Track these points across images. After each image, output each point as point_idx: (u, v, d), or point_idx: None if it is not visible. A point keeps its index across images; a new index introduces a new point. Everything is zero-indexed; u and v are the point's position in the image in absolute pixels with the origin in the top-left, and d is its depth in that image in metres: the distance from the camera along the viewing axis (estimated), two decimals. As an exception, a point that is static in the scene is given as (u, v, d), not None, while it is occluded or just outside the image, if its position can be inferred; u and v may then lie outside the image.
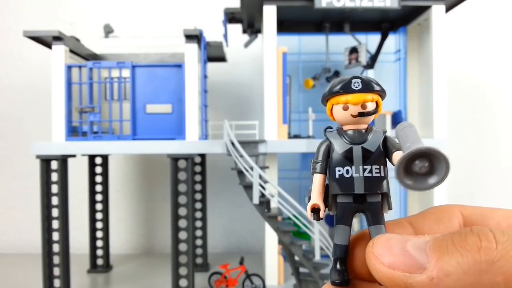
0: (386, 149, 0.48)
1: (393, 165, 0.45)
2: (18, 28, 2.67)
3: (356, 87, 0.47)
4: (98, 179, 2.89)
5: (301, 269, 2.24)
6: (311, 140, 2.45)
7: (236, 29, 2.97)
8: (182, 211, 2.25)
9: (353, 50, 2.76)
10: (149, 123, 2.37)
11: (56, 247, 2.25)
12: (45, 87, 3.19)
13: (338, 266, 0.47)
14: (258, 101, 3.24)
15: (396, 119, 2.69)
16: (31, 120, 3.36)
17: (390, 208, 0.48)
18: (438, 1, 2.36)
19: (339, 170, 0.48)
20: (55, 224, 2.26)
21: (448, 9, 2.46)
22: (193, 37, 2.29)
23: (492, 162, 3.38)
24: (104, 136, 2.33)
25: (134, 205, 3.42)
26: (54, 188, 2.26)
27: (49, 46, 2.33)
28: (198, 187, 2.97)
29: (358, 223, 2.86)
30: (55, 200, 2.26)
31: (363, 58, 2.70)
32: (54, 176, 2.26)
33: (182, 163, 2.25)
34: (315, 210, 0.49)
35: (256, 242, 3.33)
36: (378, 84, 0.48)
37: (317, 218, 0.49)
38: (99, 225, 2.89)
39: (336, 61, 2.97)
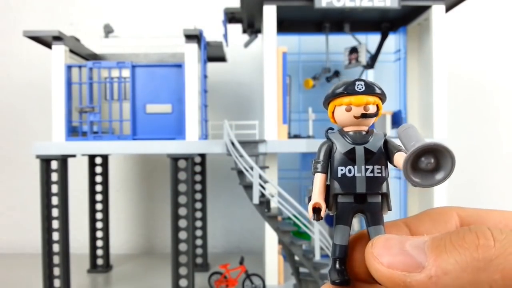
0: (387, 151, 0.48)
1: (394, 166, 0.46)
2: (19, 28, 2.67)
3: (360, 89, 0.48)
4: (98, 179, 2.89)
5: (301, 269, 2.24)
6: (311, 140, 2.45)
7: (236, 29, 2.97)
8: (182, 211, 2.25)
9: (353, 50, 2.76)
10: (149, 123, 2.38)
11: (56, 247, 2.26)
12: (45, 87, 3.19)
13: (337, 266, 0.47)
14: (258, 101, 3.25)
15: (396, 119, 2.69)
16: (31, 120, 3.36)
17: (389, 209, 0.48)
18: (438, 1, 2.36)
19: (341, 170, 0.48)
20: (55, 224, 2.26)
21: (448, 9, 2.46)
22: (193, 37, 2.29)
23: (493, 162, 3.38)
24: (104, 136, 2.33)
25: (134, 205, 3.42)
26: (54, 188, 2.26)
27: (49, 46, 2.33)
28: (198, 187, 2.97)
29: (358, 223, 2.86)
30: (55, 200, 2.26)
31: (363, 58, 2.70)
32: (54, 176, 2.26)
33: (182, 163, 2.25)
34: (316, 210, 0.49)
35: (256, 242, 3.33)
36: (379, 88, 0.49)
37: (318, 218, 0.49)
38: (99, 225, 2.89)
39: (336, 61, 2.97)
